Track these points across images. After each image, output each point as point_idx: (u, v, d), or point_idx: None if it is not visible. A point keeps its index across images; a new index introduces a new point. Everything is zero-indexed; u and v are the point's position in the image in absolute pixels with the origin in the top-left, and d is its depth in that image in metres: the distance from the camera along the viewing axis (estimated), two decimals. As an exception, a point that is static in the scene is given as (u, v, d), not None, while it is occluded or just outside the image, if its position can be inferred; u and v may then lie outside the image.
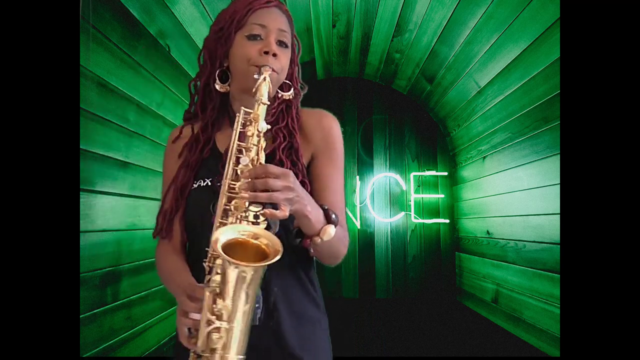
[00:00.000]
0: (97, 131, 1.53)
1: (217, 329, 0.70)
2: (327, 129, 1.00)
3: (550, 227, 2.14)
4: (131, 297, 1.79)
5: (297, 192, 0.77)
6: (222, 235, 0.71)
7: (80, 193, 1.42)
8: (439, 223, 3.80)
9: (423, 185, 3.83)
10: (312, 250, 0.89)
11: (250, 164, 0.80)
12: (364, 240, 3.79)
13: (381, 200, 3.82)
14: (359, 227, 3.78)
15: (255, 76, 0.90)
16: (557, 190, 2.06)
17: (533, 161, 2.32)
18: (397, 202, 3.82)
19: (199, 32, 2.19)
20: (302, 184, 0.86)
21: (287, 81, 0.99)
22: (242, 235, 0.74)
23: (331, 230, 0.84)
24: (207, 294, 0.71)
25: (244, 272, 0.69)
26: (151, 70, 1.91)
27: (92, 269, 1.51)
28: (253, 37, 0.93)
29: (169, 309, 2.17)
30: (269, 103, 0.84)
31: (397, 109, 3.89)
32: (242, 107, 0.85)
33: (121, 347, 1.69)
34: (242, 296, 0.70)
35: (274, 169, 0.75)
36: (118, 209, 1.71)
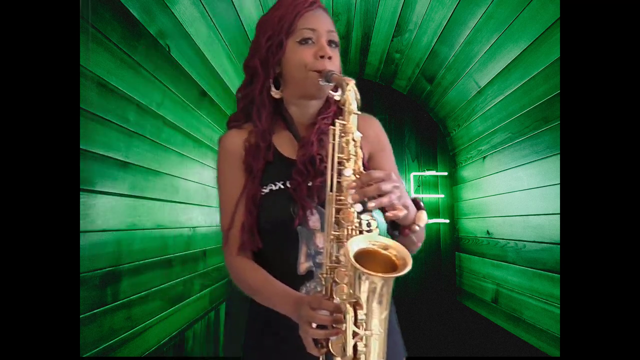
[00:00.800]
0: (97, 131, 1.53)
1: (361, 339, 0.73)
2: (376, 129, 1.08)
3: (550, 227, 2.14)
4: (131, 297, 1.79)
5: (402, 189, 0.81)
6: (351, 246, 0.73)
7: (80, 193, 1.42)
8: (439, 223, 3.80)
9: (423, 185, 3.83)
10: (414, 238, 0.92)
11: (352, 175, 0.82)
12: (364, 240, 3.78)
13: (381, 200, 3.82)
14: (359, 227, 3.77)
15: (321, 82, 0.92)
16: (557, 190, 2.06)
17: (533, 161, 2.32)
18: (397, 202, 3.81)
19: (199, 32, 2.18)
20: None
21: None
22: (373, 245, 0.76)
23: (424, 215, 0.89)
24: (348, 306, 0.73)
25: (374, 282, 0.71)
26: (151, 70, 1.91)
27: (92, 269, 1.51)
28: (305, 42, 0.95)
29: (169, 309, 2.16)
30: (359, 113, 0.86)
31: (397, 109, 3.88)
32: (337, 120, 0.87)
33: (121, 347, 1.69)
34: (377, 304, 0.73)
35: (378, 173, 0.78)
36: (118, 209, 1.71)
